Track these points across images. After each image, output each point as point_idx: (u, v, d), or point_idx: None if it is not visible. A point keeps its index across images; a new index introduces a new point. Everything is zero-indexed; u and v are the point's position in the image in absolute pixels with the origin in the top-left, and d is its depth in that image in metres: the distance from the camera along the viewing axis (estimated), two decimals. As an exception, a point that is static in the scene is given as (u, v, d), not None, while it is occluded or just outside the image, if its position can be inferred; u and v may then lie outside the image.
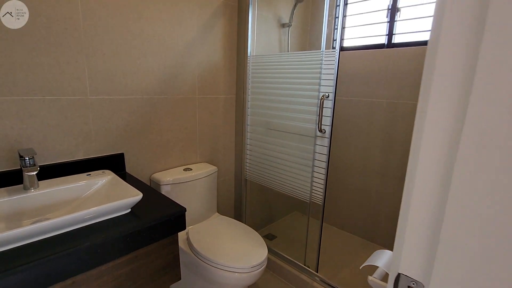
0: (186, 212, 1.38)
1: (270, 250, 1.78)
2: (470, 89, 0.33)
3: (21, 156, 0.90)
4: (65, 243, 0.75)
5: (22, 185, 0.95)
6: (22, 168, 0.90)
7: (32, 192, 0.93)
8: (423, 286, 0.42)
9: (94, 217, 0.85)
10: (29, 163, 0.89)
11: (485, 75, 0.31)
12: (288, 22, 2.00)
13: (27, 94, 1.03)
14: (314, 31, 2.18)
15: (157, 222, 0.91)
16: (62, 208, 0.95)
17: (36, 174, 0.93)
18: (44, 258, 0.69)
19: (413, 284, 0.43)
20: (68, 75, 1.11)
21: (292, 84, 1.51)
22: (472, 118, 0.33)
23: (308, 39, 2.21)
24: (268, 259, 1.76)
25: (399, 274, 0.45)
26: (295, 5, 1.96)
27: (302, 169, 1.54)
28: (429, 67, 0.36)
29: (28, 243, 0.74)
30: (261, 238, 1.41)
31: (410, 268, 0.43)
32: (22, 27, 0.97)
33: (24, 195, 0.91)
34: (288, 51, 2.04)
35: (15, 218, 0.86)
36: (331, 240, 2.15)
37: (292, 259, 1.69)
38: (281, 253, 1.74)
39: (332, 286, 1.50)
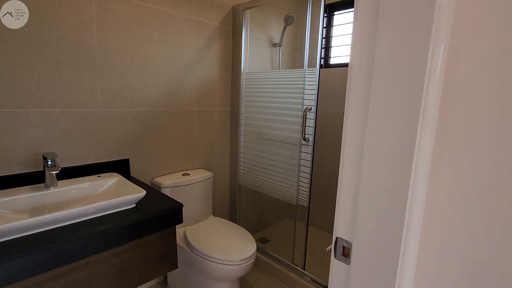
0: (184, 214, 1.53)
1: (262, 252, 1.92)
2: (368, 104, 0.50)
3: (44, 158, 1.07)
4: (82, 230, 0.91)
5: (43, 183, 1.12)
6: (46, 168, 1.06)
7: (52, 190, 1.10)
8: (351, 243, 0.58)
9: (105, 209, 1.01)
10: (52, 164, 1.06)
11: (376, 99, 0.49)
12: (279, 42, 2.21)
13: (49, 107, 1.21)
14: (303, 51, 2.39)
15: (158, 215, 1.07)
16: (77, 203, 1.11)
17: (56, 174, 1.09)
18: (65, 240, 0.85)
19: (345, 243, 0.59)
20: (83, 90, 1.30)
21: (280, 98, 1.70)
22: (370, 125, 0.50)
23: (298, 57, 2.42)
24: (260, 259, 1.89)
25: (337, 238, 0.61)
26: (285, 27, 2.17)
27: (289, 174, 1.71)
28: (347, 87, 0.54)
29: (52, 228, 0.90)
30: (251, 236, 1.55)
31: (343, 233, 0.60)
32: (48, 51, 1.16)
33: (46, 191, 1.08)
34: (279, 69, 2.24)
35: (38, 210, 1.02)
36: (318, 241, 2.28)
37: (281, 259, 1.82)
38: (271, 253, 1.88)
39: (317, 283, 1.63)
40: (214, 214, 2.05)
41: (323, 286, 1.60)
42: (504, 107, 0.42)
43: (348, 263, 0.59)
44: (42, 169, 1.19)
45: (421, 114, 0.45)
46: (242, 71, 1.89)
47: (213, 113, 1.90)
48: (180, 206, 1.13)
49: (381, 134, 0.50)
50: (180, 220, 1.14)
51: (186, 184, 1.65)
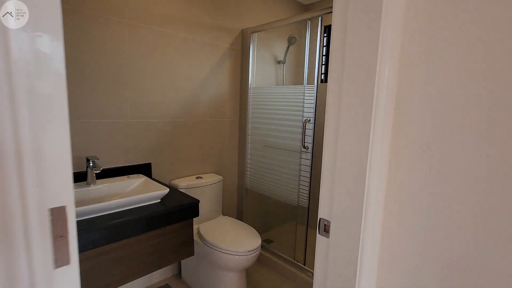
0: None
1: (266, 250, 2.11)
2: (339, 115, 0.72)
3: (87, 160, 1.30)
4: (120, 217, 1.13)
5: (85, 181, 1.35)
6: (88, 168, 1.30)
7: (92, 187, 1.33)
8: (330, 222, 0.78)
9: (139, 201, 1.23)
10: (94, 165, 1.30)
11: (345, 108, 0.71)
12: (283, 59, 2.45)
13: (90, 118, 1.45)
14: (304, 67, 2.62)
15: (179, 208, 1.28)
16: (114, 198, 1.34)
17: (96, 173, 1.33)
18: (109, 224, 1.07)
19: (326, 222, 0.80)
20: (116, 104, 1.54)
21: (282, 110, 1.92)
22: (342, 131, 0.72)
23: (300, 73, 2.65)
24: (264, 256, 2.08)
25: (320, 218, 0.81)
26: (288, 47, 2.42)
27: (290, 178, 1.91)
28: (327, 100, 0.76)
29: (97, 216, 1.13)
30: (256, 232, 1.75)
31: (324, 214, 0.80)
32: (88, 71, 1.41)
33: (88, 188, 1.31)
34: (283, 83, 2.48)
35: (85, 203, 1.25)
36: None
37: (284, 256, 2.01)
38: (275, 251, 2.07)
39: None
40: (223, 214, 2.26)
41: (321, 279, 1.78)
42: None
43: (327, 237, 0.80)
44: (83, 170, 1.42)
45: (372, 127, 0.66)
46: (249, 86, 2.13)
47: (223, 123, 2.14)
48: (196, 201, 1.35)
49: (348, 140, 0.71)
50: (196, 214, 1.35)
51: (199, 186, 1.87)
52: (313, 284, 0.87)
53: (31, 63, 0.45)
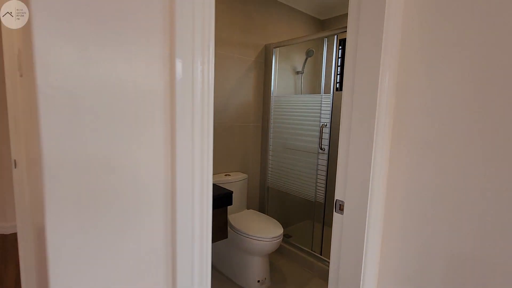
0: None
1: (286, 243, 2.34)
2: (351, 116, 0.96)
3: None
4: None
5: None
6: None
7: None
8: (344, 202, 1.02)
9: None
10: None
11: (356, 110, 0.95)
12: (301, 70, 2.71)
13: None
14: (320, 78, 2.87)
15: (217, 197, 1.55)
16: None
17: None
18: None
19: (341, 202, 1.04)
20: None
21: (301, 116, 2.17)
22: (353, 131, 0.96)
23: (317, 82, 2.90)
24: (284, 248, 2.32)
25: (336, 199, 1.05)
26: (306, 59, 2.67)
27: (308, 177, 2.15)
28: (342, 103, 1.00)
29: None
30: (278, 223, 1.99)
31: (339, 196, 1.04)
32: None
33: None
34: (301, 92, 2.73)
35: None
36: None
37: (302, 247, 2.24)
38: (294, 243, 2.30)
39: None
40: (247, 208, 2.51)
41: (335, 266, 1.99)
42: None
43: (342, 214, 1.04)
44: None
45: (375, 130, 0.90)
46: (271, 95, 2.40)
47: (248, 128, 2.40)
48: (231, 192, 1.61)
49: (357, 142, 0.95)
50: (230, 202, 1.61)
51: (228, 182, 2.13)
52: (331, 253, 1.10)
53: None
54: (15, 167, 1.45)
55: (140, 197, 0.53)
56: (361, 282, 0.98)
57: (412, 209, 0.93)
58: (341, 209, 1.04)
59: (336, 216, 1.06)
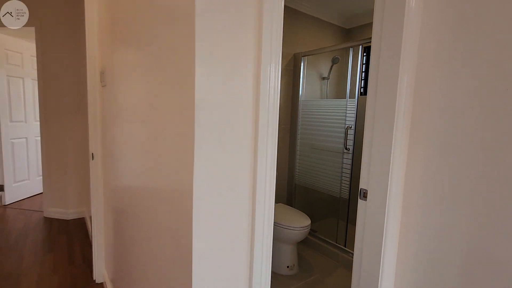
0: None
1: (312, 236, 2.53)
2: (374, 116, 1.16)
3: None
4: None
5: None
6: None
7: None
8: (367, 190, 1.22)
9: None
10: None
11: (379, 112, 1.16)
12: (327, 76, 2.90)
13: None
14: (345, 83, 3.04)
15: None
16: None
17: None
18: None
19: (364, 190, 1.23)
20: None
21: (327, 119, 2.36)
22: (375, 133, 1.16)
23: (341, 87, 3.07)
24: (310, 240, 2.51)
25: (360, 188, 1.25)
26: (332, 66, 2.86)
27: (333, 174, 2.33)
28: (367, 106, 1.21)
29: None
30: (306, 215, 2.20)
31: (363, 185, 1.24)
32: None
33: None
34: (327, 97, 2.92)
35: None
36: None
37: (327, 240, 2.42)
38: (319, 236, 2.48)
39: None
40: (276, 203, 2.73)
41: (359, 257, 2.16)
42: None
43: (365, 200, 1.23)
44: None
45: (394, 128, 1.10)
46: (299, 99, 2.61)
47: (278, 129, 2.63)
48: (266, 185, 1.84)
49: (379, 138, 1.15)
50: (265, 194, 1.84)
51: (260, 178, 2.36)
52: (355, 237, 1.29)
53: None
54: (92, 159, 1.77)
55: (240, 192, 0.77)
56: (381, 264, 1.17)
57: (429, 202, 1.11)
58: (364, 196, 1.24)
59: (360, 202, 1.26)
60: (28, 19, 2.72)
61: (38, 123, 3.50)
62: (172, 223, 0.86)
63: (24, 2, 2.70)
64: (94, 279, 1.88)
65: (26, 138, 3.41)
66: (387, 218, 1.16)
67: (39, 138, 3.54)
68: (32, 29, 2.75)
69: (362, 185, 1.25)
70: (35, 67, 3.42)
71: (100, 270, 1.89)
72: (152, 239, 1.05)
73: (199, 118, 0.68)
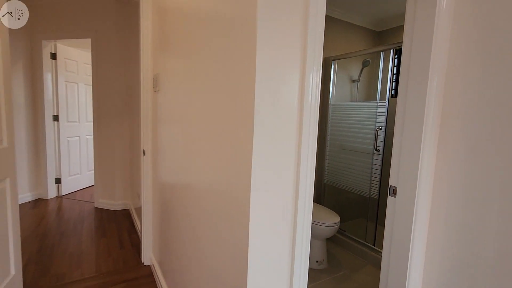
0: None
1: (341, 234, 2.61)
2: (404, 115, 1.25)
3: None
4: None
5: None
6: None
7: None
8: (396, 187, 1.31)
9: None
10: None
11: (409, 112, 1.24)
12: (357, 79, 2.96)
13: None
14: (376, 86, 3.07)
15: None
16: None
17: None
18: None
19: (394, 187, 1.32)
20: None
21: (357, 120, 2.43)
22: (405, 133, 1.25)
23: (371, 90, 3.11)
24: (339, 238, 2.58)
25: (390, 185, 1.34)
26: (362, 68, 2.92)
27: (363, 175, 2.40)
28: (398, 109, 1.30)
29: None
30: (335, 213, 2.28)
31: (393, 183, 1.33)
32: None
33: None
34: (357, 99, 2.97)
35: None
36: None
37: (356, 238, 2.48)
38: (348, 234, 2.55)
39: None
40: (305, 203, 2.83)
41: (388, 256, 2.21)
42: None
43: (395, 197, 1.32)
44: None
45: (423, 130, 1.18)
46: (330, 101, 2.70)
47: (308, 130, 2.74)
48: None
49: (408, 136, 1.23)
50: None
51: (291, 177, 2.49)
52: (385, 231, 1.38)
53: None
54: (144, 155, 2.00)
55: (284, 187, 0.91)
56: (409, 259, 1.24)
57: (458, 201, 1.17)
58: (394, 193, 1.32)
59: (390, 199, 1.35)
60: (85, 31, 3.08)
61: (89, 123, 3.90)
62: (228, 214, 1.00)
63: (81, 16, 3.06)
64: (142, 261, 2.12)
65: (79, 136, 3.81)
66: (415, 215, 1.24)
67: (89, 136, 3.94)
68: (88, 40, 3.10)
69: (391, 182, 1.34)
70: (87, 73, 3.82)
71: (148, 254, 2.12)
72: (205, 226, 1.21)
73: (256, 122, 0.81)
